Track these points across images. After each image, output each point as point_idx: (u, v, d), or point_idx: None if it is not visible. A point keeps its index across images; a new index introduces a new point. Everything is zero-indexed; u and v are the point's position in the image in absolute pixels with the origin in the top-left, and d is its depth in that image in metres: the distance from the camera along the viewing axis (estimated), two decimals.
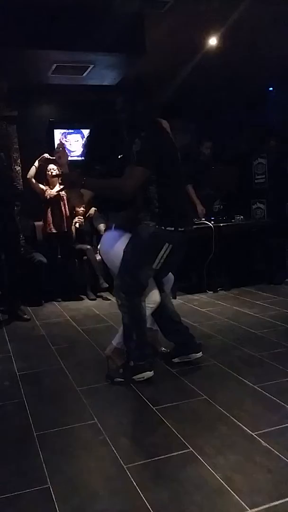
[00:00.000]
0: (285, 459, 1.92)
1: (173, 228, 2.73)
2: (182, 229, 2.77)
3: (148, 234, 2.74)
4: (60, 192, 5.22)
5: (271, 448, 2.00)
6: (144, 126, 2.75)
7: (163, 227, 2.72)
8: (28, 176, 5.22)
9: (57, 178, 4.94)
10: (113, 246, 2.91)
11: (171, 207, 2.76)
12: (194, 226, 5.10)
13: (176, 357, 3.09)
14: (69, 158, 3.15)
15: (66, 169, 2.97)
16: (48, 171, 5.23)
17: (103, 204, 3.16)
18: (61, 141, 2.92)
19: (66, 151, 2.84)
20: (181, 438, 2.12)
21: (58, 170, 4.59)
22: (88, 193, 2.97)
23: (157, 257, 2.74)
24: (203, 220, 5.43)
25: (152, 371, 2.83)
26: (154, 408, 2.44)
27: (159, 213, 2.74)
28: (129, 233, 2.86)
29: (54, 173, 5.03)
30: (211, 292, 5.27)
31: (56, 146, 2.85)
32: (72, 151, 6.41)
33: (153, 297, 2.90)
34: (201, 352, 3.08)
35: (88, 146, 3.13)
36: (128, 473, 1.88)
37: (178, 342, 3.12)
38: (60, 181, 4.21)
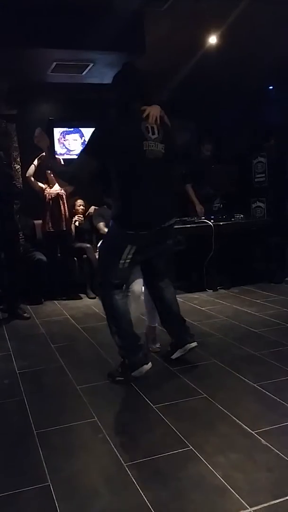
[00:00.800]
0: (285, 457, 1.92)
1: (133, 232, 2.67)
2: (145, 232, 2.68)
3: (114, 234, 2.78)
4: (60, 191, 5.22)
5: (271, 447, 2.00)
6: (106, 115, 2.71)
7: (125, 230, 2.68)
8: (27, 175, 5.23)
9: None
10: None
11: (131, 209, 2.66)
12: (194, 225, 5.20)
13: (173, 353, 3.08)
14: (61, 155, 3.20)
15: (47, 153, 2.96)
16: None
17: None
18: (39, 128, 2.93)
19: (45, 135, 2.83)
20: (181, 437, 2.12)
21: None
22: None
23: (121, 257, 2.70)
24: (203, 219, 5.43)
25: (150, 363, 2.79)
26: (154, 407, 2.44)
27: (121, 215, 2.71)
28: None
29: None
30: (211, 290, 5.27)
31: (35, 132, 2.83)
32: (72, 150, 6.43)
33: (133, 287, 3.04)
34: (195, 342, 3.06)
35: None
36: (128, 471, 1.88)
37: (172, 332, 3.12)
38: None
